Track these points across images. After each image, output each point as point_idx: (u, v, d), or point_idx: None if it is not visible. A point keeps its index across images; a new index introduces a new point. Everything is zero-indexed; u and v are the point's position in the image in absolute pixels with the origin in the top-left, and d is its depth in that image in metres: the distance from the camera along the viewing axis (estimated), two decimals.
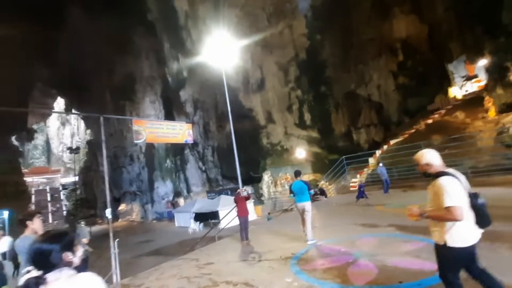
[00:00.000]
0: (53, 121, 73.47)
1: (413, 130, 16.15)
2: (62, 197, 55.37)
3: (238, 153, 12.87)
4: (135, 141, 5.26)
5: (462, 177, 2.10)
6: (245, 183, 17.42)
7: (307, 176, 21.21)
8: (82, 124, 67.96)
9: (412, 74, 19.78)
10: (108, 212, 5.01)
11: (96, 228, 36.90)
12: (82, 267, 3.74)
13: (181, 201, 31.63)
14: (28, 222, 2.67)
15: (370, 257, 4.03)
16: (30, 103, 59.81)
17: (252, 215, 14.67)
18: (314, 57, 21.86)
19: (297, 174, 5.95)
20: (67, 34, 51.89)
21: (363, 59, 20.42)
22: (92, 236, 28.96)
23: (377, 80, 20.33)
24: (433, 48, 19.65)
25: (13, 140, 61.02)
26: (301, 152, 21.81)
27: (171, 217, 27.40)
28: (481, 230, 2.03)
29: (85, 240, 4.18)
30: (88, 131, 62.28)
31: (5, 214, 20.08)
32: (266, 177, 22.44)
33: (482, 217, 1.98)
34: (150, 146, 38.42)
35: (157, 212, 34.10)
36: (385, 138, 19.32)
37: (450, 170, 2.13)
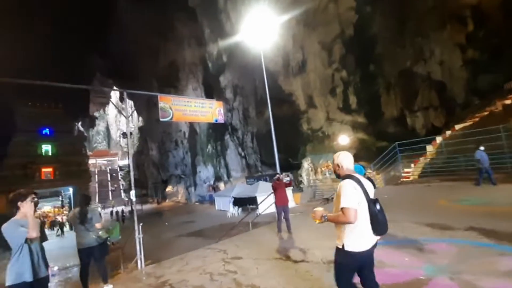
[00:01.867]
0: (111, 109, 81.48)
1: (486, 113, 13.49)
2: (120, 177, 61.68)
3: (277, 139, 12.30)
4: (161, 119, 5.01)
5: (368, 183, 2.14)
6: (283, 169, 16.84)
7: None
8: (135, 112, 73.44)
9: (484, 47, 16.42)
10: (133, 194, 4.91)
11: (147, 207, 40.50)
12: (101, 253, 3.45)
13: (221, 185, 32.57)
14: (19, 203, 2.38)
15: (451, 275, 2.94)
16: (91, 92, 66.88)
17: (290, 202, 14.09)
18: (363, 32, 19.60)
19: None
20: (117, 27, 55.90)
21: (422, 31, 17.58)
22: (143, 213, 31.74)
23: (440, 55, 17.40)
24: (510, 15, 16.06)
25: (79, 126, 69.39)
26: (344, 139, 20.24)
27: (212, 200, 28.40)
28: (377, 237, 2.07)
29: (98, 225, 3.95)
30: (140, 118, 67.62)
31: (70, 190, 23.01)
32: (306, 164, 21.48)
33: (377, 224, 2.00)
34: (193, 132, 40.04)
35: (200, 195, 35.80)
36: (447, 122, 16.66)
37: (357, 175, 2.16)
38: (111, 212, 29.04)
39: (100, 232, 3.96)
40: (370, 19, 19.35)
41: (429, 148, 12.80)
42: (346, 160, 2.23)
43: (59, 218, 22.16)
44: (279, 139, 12.94)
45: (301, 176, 21.34)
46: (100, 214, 4.24)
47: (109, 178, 59.79)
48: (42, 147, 22.95)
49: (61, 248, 16.31)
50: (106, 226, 4.10)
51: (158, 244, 13.51)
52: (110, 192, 54.96)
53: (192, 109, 5.06)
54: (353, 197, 1.97)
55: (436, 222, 4.90)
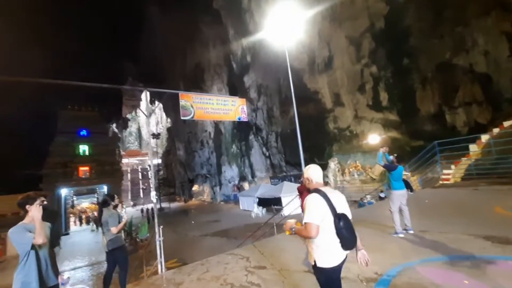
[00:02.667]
0: (142, 112, 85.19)
1: None
2: (150, 176, 64.43)
3: (302, 139, 11.86)
4: (182, 118, 4.90)
5: (338, 197, 2.12)
6: None
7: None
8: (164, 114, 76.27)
9: None
10: (153, 196, 4.83)
11: (174, 205, 41.88)
12: (119, 255, 3.30)
13: (246, 185, 32.60)
14: (27, 207, 2.24)
15: None
16: (123, 95, 70.91)
17: None
18: (394, 25, 18.36)
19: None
20: (147, 34, 58.60)
21: (462, 19, 15.99)
22: (171, 211, 32.69)
23: (484, 45, 15.70)
24: None
25: (114, 127, 73.79)
26: (375, 138, 19.13)
27: (236, 200, 28.52)
28: (346, 252, 2.06)
29: (113, 230, 3.75)
30: (168, 120, 70.27)
31: (105, 188, 24.45)
32: (333, 164, 20.66)
33: (343, 239, 1.99)
34: (218, 132, 40.65)
35: (225, 194, 36.18)
36: (492, 119, 15.00)
37: (327, 188, 2.14)
38: (142, 209, 30.37)
39: (105, 239, 3.82)
40: (402, 10, 18.06)
41: (473, 147, 11.53)
42: (315, 174, 2.25)
43: (95, 214, 23.60)
44: (304, 138, 12.47)
45: (327, 176, 20.56)
46: (119, 216, 3.98)
47: (140, 177, 62.77)
48: (79, 147, 24.65)
49: (96, 242, 17.33)
50: (122, 228, 3.97)
51: (184, 242, 13.76)
52: (141, 190, 57.67)
53: (214, 106, 4.89)
54: (315, 212, 1.98)
55: (495, 234, 4.09)
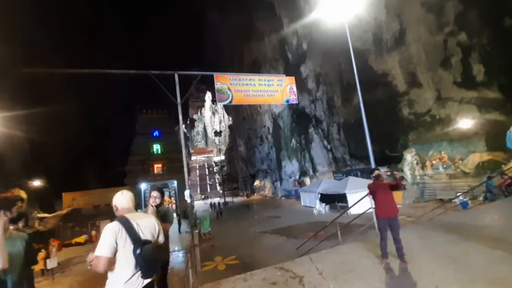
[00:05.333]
0: (207, 112, 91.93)
1: None
2: (215, 171, 68.79)
3: (369, 128, 10.23)
4: (218, 103, 4.37)
5: (146, 223, 2.08)
6: (378, 163, 14.12)
7: (479, 156, 14.85)
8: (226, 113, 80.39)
9: None
10: (187, 195, 4.42)
11: (237, 199, 43.46)
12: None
13: (307, 180, 31.30)
14: (1, 213, 1.81)
15: None
16: (189, 98, 77.22)
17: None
18: None
19: None
20: (208, 37, 62.04)
21: None
22: (234, 205, 33.87)
23: None
24: None
25: (183, 128, 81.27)
26: (467, 123, 15.51)
27: (297, 195, 27.62)
28: (147, 280, 1.97)
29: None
30: (230, 118, 73.62)
31: (175, 183, 26.88)
32: (409, 156, 17.69)
33: (141, 268, 1.93)
34: (277, 127, 40.20)
35: (285, 190, 35.60)
36: None
37: (134, 214, 2.09)
38: (211, 204, 32.40)
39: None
40: None
41: None
42: (120, 201, 2.16)
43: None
44: (372, 128, 10.73)
45: (402, 171, 17.77)
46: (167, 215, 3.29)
47: (207, 173, 67.59)
48: (153, 147, 27.64)
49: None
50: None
51: (244, 238, 13.70)
52: (208, 185, 62.08)
53: (256, 88, 4.18)
54: (105, 243, 1.88)
55: None
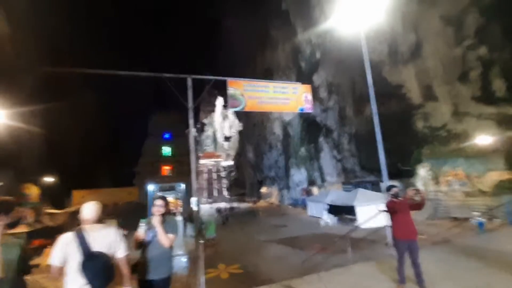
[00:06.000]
0: (218, 117, 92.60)
1: None
2: (223, 176, 68.82)
3: (382, 140, 10.00)
4: (230, 109, 4.34)
5: (101, 235, 2.09)
6: (390, 177, 13.70)
7: (498, 174, 14.22)
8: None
9: None
10: (193, 202, 4.34)
11: (244, 205, 43.16)
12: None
13: (314, 189, 30.83)
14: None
15: None
16: (201, 102, 78.28)
17: None
18: None
19: None
20: (222, 43, 63.03)
21: None
22: (241, 210, 33.64)
23: None
24: None
25: (194, 132, 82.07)
26: (484, 139, 14.94)
27: (304, 205, 27.16)
28: None
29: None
30: (240, 123, 74.00)
31: (182, 186, 26.96)
32: (423, 171, 17.15)
33: (89, 281, 1.93)
34: (286, 134, 40.02)
35: (292, 198, 35.14)
36: None
37: (92, 226, 2.14)
38: (218, 209, 32.20)
39: None
40: None
41: None
42: (86, 212, 2.19)
43: (173, 209, 26.21)
44: (384, 140, 10.50)
45: (414, 186, 17.20)
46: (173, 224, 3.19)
47: (214, 177, 67.69)
48: (164, 149, 27.93)
49: None
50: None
51: (249, 246, 13.47)
52: (215, 190, 62.08)
53: (270, 95, 4.09)
54: (55, 253, 1.98)
55: None
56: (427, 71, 17.89)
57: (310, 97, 4.60)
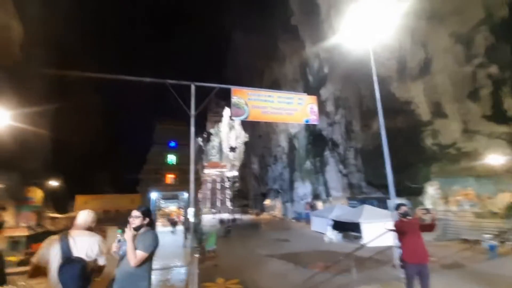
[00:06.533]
0: (224, 127, 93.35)
1: None
2: (227, 186, 68.44)
3: (389, 157, 9.76)
4: (233, 118, 4.23)
5: (84, 241, 2.18)
6: (397, 194, 13.30)
7: (510, 195, 13.68)
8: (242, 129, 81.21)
9: None
10: (191, 214, 4.19)
11: (246, 217, 42.54)
12: None
13: (319, 204, 30.25)
14: None
15: None
16: (208, 112, 79.25)
17: None
18: None
19: None
20: (231, 56, 64.31)
21: None
22: (243, 222, 33.06)
23: None
24: None
25: (199, 141, 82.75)
26: (496, 158, 14.52)
27: (308, 219, 26.60)
28: None
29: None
30: (246, 135, 74.19)
31: (185, 194, 26.79)
32: (431, 189, 16.68)
33: (62, 283, 1.97)
34: (292, 147, 39.79)
35: (296, 212, 34.51)
36: None
37: (79, 232, 2.27)
38: (221, 220, 31.75)
39: None
40: None
41: None
42: (78, 218, 2.33)
43: (175, 218, 25.95)
44: (391, 156, 10.25)
45: (422, 204, 16.71)
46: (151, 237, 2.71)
47: (218, 187, 67.32)
48: (168, 157, 27.97)
49: (176, 241, 18.72)
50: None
51: (249, 260, 13.06)
52: (218, 200, 61.58)
53: (275, 105, 3.99)
54: (39, 253, 2.10)
55: None
56: (436, 88, 17.72)
57: (316, 108, 4.50)
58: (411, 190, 18.28)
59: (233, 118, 4.36)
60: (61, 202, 21.49)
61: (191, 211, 4.42)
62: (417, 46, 18.50)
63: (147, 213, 2.76)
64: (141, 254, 2.43)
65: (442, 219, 15.78)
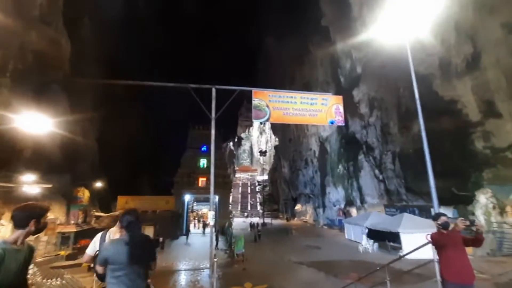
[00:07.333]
0: (255, 131, 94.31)
1: None
2: (257, 190, 68.65)
3: (432, 161, 8.96)
4: (254, 120, 4.15)
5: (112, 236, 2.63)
6: (443, 202, 11.98)
7: None
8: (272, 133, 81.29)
9: None
10: (211, 217, 4.16)
11: (276, 222, 42.07)
12: None
13: (353, 211, 28.80)
14: (32, 222, 1.76)
15: None
16: (239, 116, 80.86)
17: None
18: None
19: None
20: (264, 60, 64.93)
21: None
22: (272, 227, 32.77)
23: None
24: None
25: (231, 145, 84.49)
26: None
27: (341, 226, 25.49)
28: None
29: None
30: (276, 138, 73.95)
31: (216, 197, 27.39)
32: (483, 197, 14.86)
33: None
34: (323, 151, 38.62)
35: (328, 218, 33.28)
36: None
37: (115, 229, 2.75)
38: (250, 224, 31.97)
39: None
40: None
41: None
42: (121, 219, 2.43)
43: (207, 221, 26.62)
44: (435, 161, 9.41)
45: (473, 214, 15.00)
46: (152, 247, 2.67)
47: (249, 191, 67.84)
48: (200, 161, 28.98)
49: (204, 243, 19.17)
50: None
51: (279, 266, 12.83)
52: (249, 204, 61.99)
53: (297, 107, 3.83)
54: (91, 246, 2.65)
55: None
56: (487, 85, 15.92)
57: (341, 108, 4.26)
58: (459, 199, 16.53)
59: (254, 120, 4.31)
60: (105, 201, 23.38)
61: (211, 214, 4.43)
62: (463, 39, 16.85)
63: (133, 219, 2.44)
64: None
65: (496, 232, 14.01)
